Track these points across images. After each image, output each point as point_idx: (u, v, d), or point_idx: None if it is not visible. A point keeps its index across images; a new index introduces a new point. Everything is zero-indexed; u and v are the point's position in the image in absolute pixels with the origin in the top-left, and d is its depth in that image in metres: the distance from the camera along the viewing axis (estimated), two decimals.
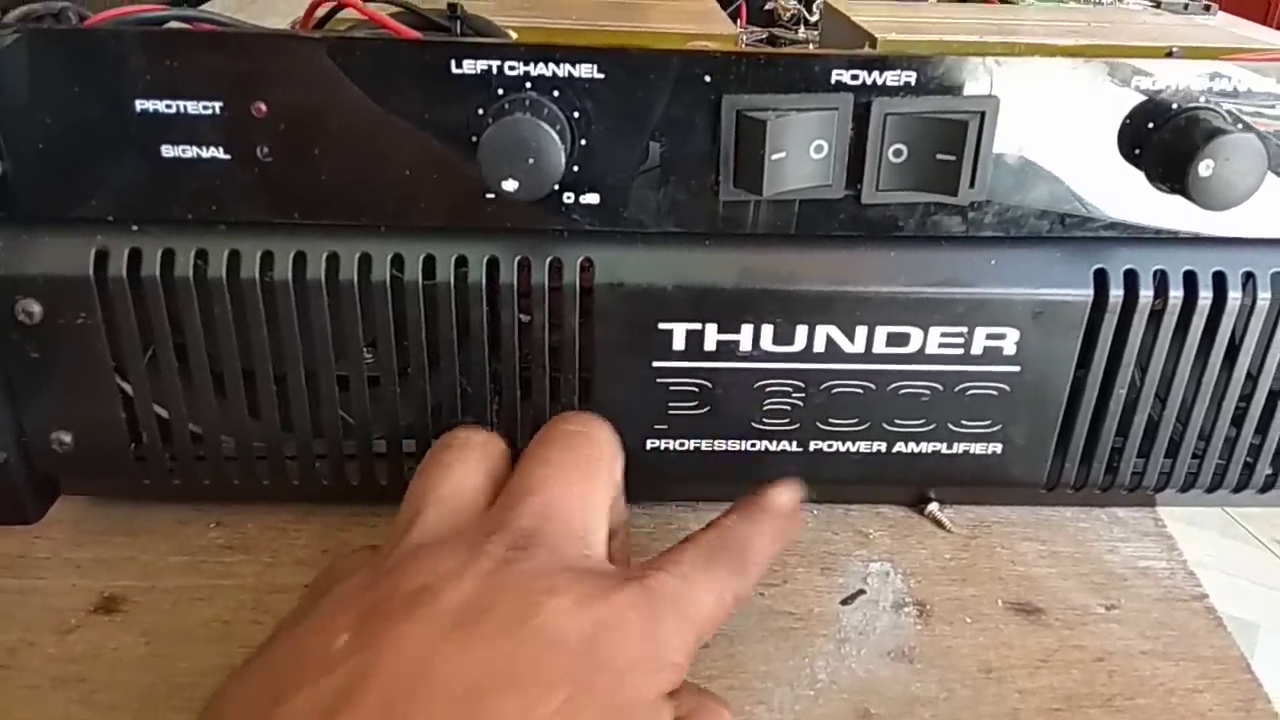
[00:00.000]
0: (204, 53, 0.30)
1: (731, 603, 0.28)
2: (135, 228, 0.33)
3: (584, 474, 0.30)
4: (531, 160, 0.30)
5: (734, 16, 0.85)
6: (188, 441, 0.36)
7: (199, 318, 0.34)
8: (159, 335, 0.34)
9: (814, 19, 0.86)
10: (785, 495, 0.31)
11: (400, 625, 0.24)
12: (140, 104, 0.31)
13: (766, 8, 0.89)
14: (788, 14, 0.87)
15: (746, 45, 0.69)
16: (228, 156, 0.32)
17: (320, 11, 0.39)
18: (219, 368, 0.35)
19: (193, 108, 0.31)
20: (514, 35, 0.39)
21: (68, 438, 0.36)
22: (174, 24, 0.38)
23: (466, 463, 0.30)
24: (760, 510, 0.30)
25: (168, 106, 0.31)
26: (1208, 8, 0.60)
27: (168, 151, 0.31)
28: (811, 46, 0.67)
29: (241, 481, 0.37)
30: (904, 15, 0.48)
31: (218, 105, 0.31)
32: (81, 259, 0.33)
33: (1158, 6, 0.59)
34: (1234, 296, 0.35)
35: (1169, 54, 0.39)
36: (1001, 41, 0.43)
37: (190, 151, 0.31)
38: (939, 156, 0.32)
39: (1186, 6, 0.59)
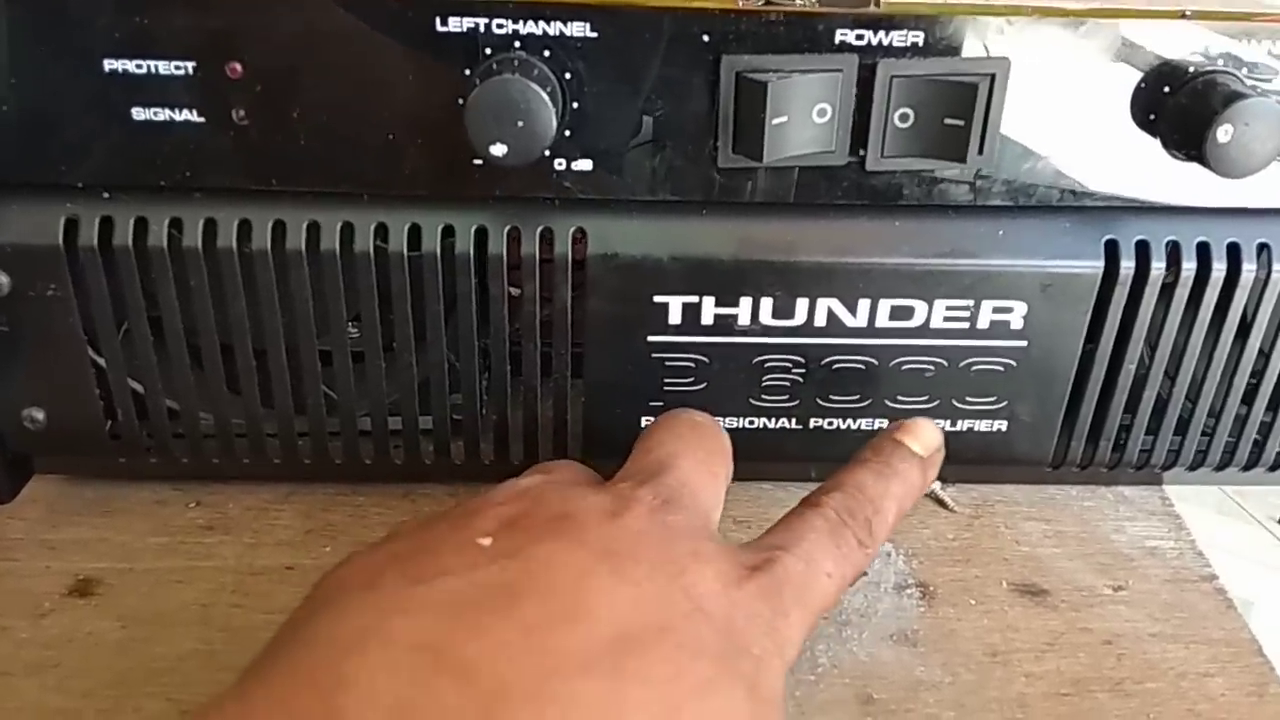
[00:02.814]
0: (176, 9, 0.29)
1: (854, 578, 0.27)
2: (106, 195, 0.32)
3: (713, 457, 0.29)
4: (521, 123, 0.28)
5: None
6: (164, 418, 0.35)
7: (174, 289, 0.32)
8: (133, 307, 0.33)
9: None
10: (925, 437, 0.30)
11: (548, 542, 0.23)
12: (109, 64, 0.29)
13: None
14: None
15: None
16: (201, 119, 0.30)
17: None
18: (196, 341, 0.34)
19: (164, 68, 0.29)
20: None
21: (40, 415, 0.35)
22: None
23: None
24: (895, 464, 0.29)
25: (138, 66, 0.29)
26: None
27: (139, 114, 0.30)
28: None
29: (221, 460, 0.36)
30: None
31: (190, 65, 0.29)
32: (51, 228, 0.32)
33: None
34: (1249, 268, 0.34)
35: (1183, 16, 0.38)
36: (1006, 5, 0.41)
37: (162, 114, 0.30)
38: (947, 121, 0.31)
39: None
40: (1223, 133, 0.29)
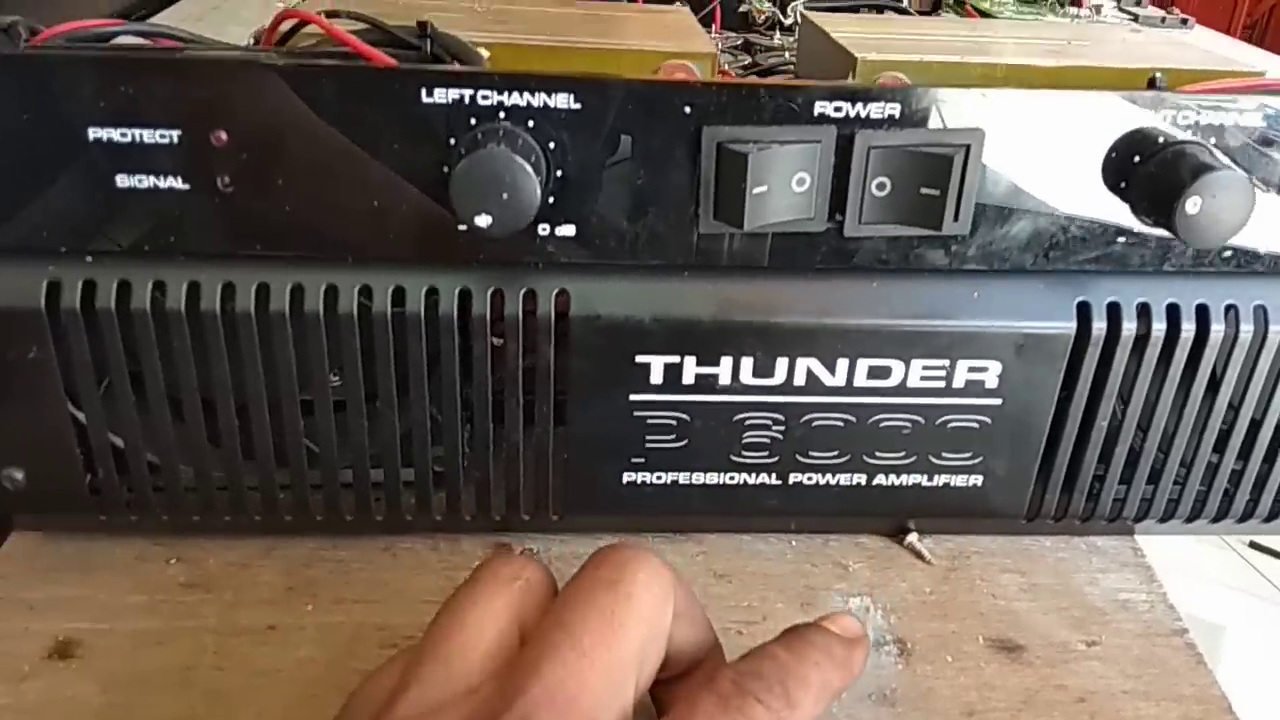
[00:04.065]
0: (161, 79, 0.29)
1: None
2: (89, 259, 0.32)
3: (604, 640, 0.24)
4: (506, 195, 0.29)
5: (708, 20, 0.85)
6: (145, 475, 0.35)
7: (157, 351, 0.32)
8: (114, 367, 0.33)
9: (789, 22, 0.85)
10: (843, 623, 0.28)
11: None
12: (94, 132, 0.29)
13: (740, 9, 0.88)
14: (762, 17, 0.87)
15: (722, 53, 0.68)
16: (186, 186, 0.30)
17: (284, 27, 0.37)
18: (177, 397, 0.34)
19: (149, 136, 0.29)
20: (486, 55, 0.38)
21: (19, 474, 0.34)
22: (130, 39, 0.37)
23: (487, 606, 0.26)
24: (809, 636, 0.27)
25: (123, 135, 0.29)
26: (1184, 21, 0.60)
27: (123, 181, 0.30)
28: (788, 54, 0.66)
29: (202, 517, 0.36)
30: (881, 31, 0.47)
31: (176, 134, 0.29)
32: (32, 291, 0.31)
33: (1135, 20, 0.59)
34: (1217, 329, 0.35)
35: (1152, 81, 0.39)
36: (982, 63, 0.42)
37: (147, 181, 0.30)
38: (923, 191, 0.31)
39: (1164, 20, 0.59)
40: (1191, 204, 0.30)
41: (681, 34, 0.45)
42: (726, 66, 0.62)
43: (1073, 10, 0.59)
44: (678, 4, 0.85)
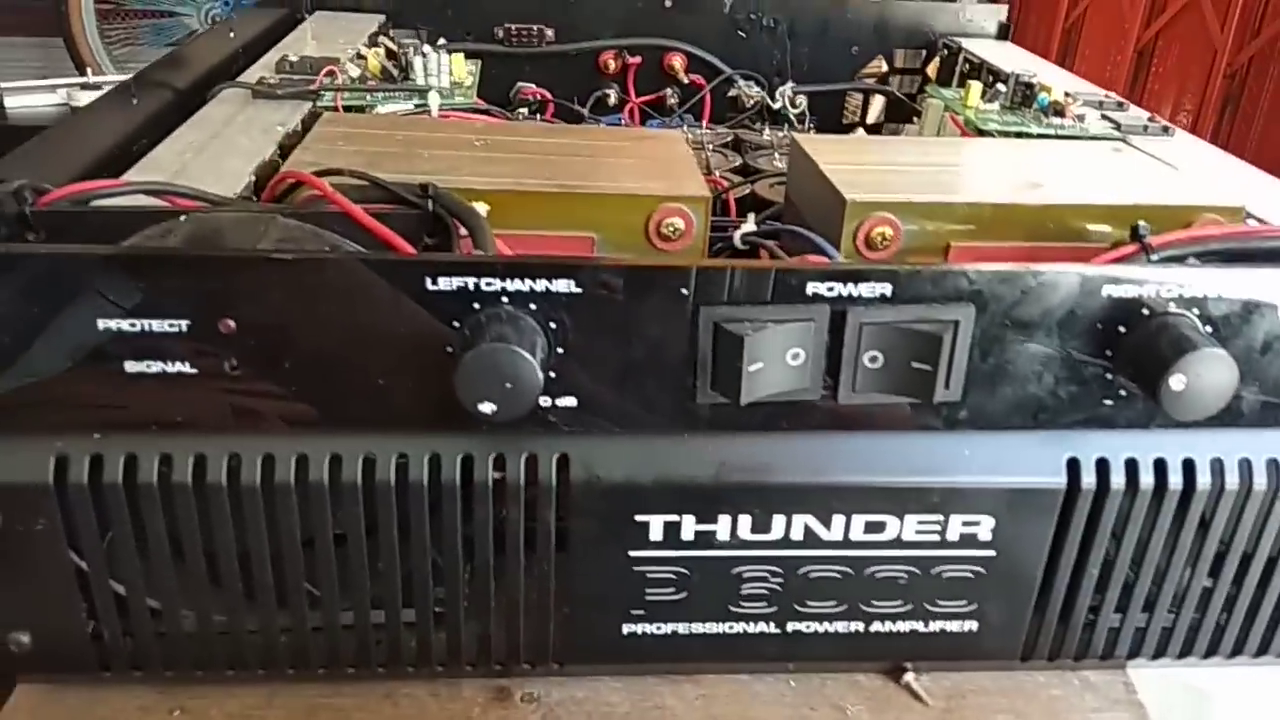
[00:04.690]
0: (171, 274, 0.30)
1: None
2: (97, 435, 0.32)
3: None
4: (509, 385, 0.29)
5: (698, 109, 0.86)
6: (150, 638, 0.35)
7: (162, 519, 0.33)
8: (119, 535, 0.33)
9: (776, 106, 0.87)
10: None
11: None
12: (103, 323, 0.30)
13: (730, 94, 0.89)
14: (751, 102, 0.88)
15: (712, 153, 0.69)
16: (194, 371, 0.31)
17: (282, 187, 0.38)
18: (181, 558, 0.34)
19: (158, 326, 0.30)
20: (486, 209, 0.39)
21: (25, 638, 0.35)
22: (138, 198, 0.38)
23: None
24: None
25: (132, 325, 0.30)
26: (1166, 129, 0.61)
27: (131, 367, 0.31)
28: (777, 156, 0.67)
29: (205, 671, 0.36)
30: (869, 161, 0.48)
31: (184, 324, 0.30)
32: (40, 466, 0.32)
33: (1118, 128, 0.61)
34: (1203, 482, 0.35)
35: (1135, 230, 0.40)
36: (968, 203, 0.43)
37: (155, 367, 0.31)
38: (914, 365, 0.32)
39: (1146, 128, 0.60)
40: (1176, 381, 0.31)
41: (675, 170, 0.46)
42: (719, 174, 0.63)
43: (1056, 120, 0.60)
44: (672, 115, 0.87)
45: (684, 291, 0.31)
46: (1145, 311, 0.33)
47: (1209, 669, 0.41)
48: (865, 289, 0.31)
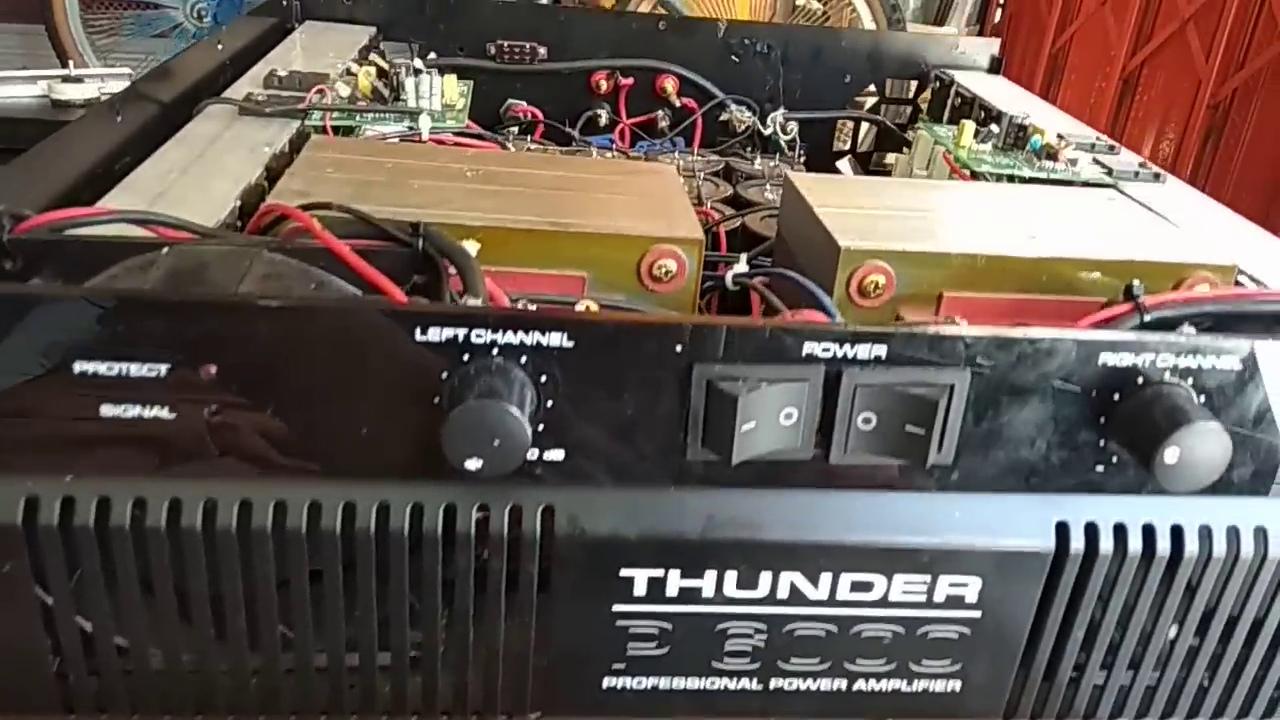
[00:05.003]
0: (153, 318, 0.29)
1: None
2: (69, 478, 0.31)
3: None
4: (497, 442, 0.29)
5: (689, 133, 0.86)
6: (117, 677, 0.34)
7: (135, 562, 0.32)
8: (88, 575, 0.32)
9: (768, 132, 0.86)
10: None
11: None
12: (80, 365, 0.29)
13: (721, 119, 0.89)
14: (742, 127, 0.88)
15: (703, 181, 0.69)
16: (172, 415, 0.30)
17: (268, 219, 0.38)
18: (151, 597, 0.33)
19: (136, 369, 0.29)
20: (475, 248, 0.38)
21: None
22: (121, 226, 0.37)
23: None
24: None
25: (109, 369, 0.29)
26: (1157, 175, 0.61)
27: (107, 410, 0.30)
28: (768, 188, 0.67)
29: (172, 716, 0.35)
30: (865, 205, 0.48)
31: (164, 368, 0.29)
32: (9, 507, 0.31)
33: (1110, 173, 0.61)
34: (1191, 549, 0.35)
35: (1129, 291, 0.39)
36: (962, 254, 0.43)
37: (132, 411, 0.30)
38: (908, 428, 0.32)
39: (1137, 174, 0.61)
40: (1170, 454, 0.31)
41: (668, 208, 0.45)
42: (710, 205, 0.62)
43: (1049, 164, 0.60)
44: (664, 138, 0.86)
45: (678, 349, 0.31)
46: (1140, 380, 0.32)
47: None
48: (861, 350, 0.31)
